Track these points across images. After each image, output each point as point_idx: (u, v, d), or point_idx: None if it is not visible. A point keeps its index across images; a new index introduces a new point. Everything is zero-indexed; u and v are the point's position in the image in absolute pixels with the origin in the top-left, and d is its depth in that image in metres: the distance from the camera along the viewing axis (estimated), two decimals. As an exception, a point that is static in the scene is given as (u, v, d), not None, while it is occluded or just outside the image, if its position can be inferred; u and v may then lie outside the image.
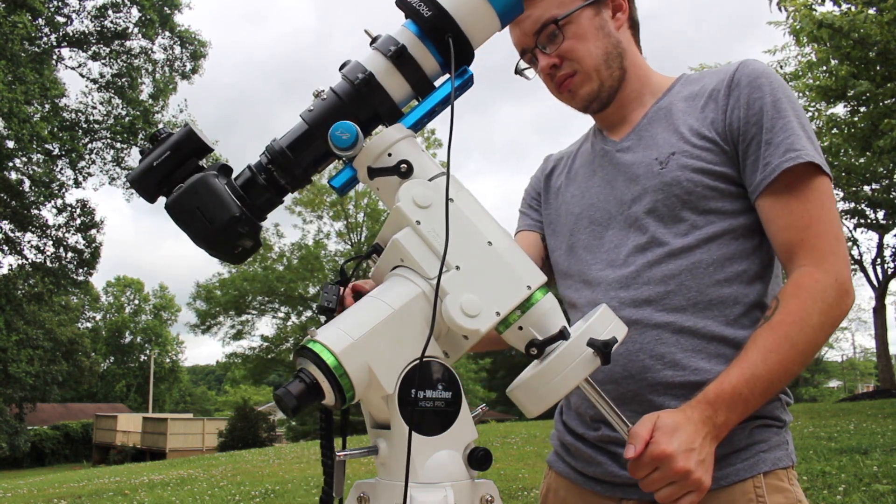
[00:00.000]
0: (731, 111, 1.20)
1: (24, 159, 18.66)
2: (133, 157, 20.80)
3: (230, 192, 0.97)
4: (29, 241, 19.76)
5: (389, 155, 0.98)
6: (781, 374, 1.08)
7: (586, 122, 1.50)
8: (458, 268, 0.93)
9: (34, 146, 17.15)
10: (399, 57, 0.97)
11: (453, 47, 0.97)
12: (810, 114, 12.53)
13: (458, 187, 0.99)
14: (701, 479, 0.99)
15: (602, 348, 0.89)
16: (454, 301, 0.91)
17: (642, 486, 1.01)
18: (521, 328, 0.94)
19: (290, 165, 1.00)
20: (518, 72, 1.35)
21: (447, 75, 1.01)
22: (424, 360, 0.91)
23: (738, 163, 1.20)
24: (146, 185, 0.99)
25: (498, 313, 0.92)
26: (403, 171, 0.97)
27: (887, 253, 19.44)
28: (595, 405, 0.99)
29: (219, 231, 0.96)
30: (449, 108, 1.00)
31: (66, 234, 19.95)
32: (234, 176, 1.03)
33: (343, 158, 1.00)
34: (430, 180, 0.98)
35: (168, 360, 50.70)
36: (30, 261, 19.90)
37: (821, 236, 1.13)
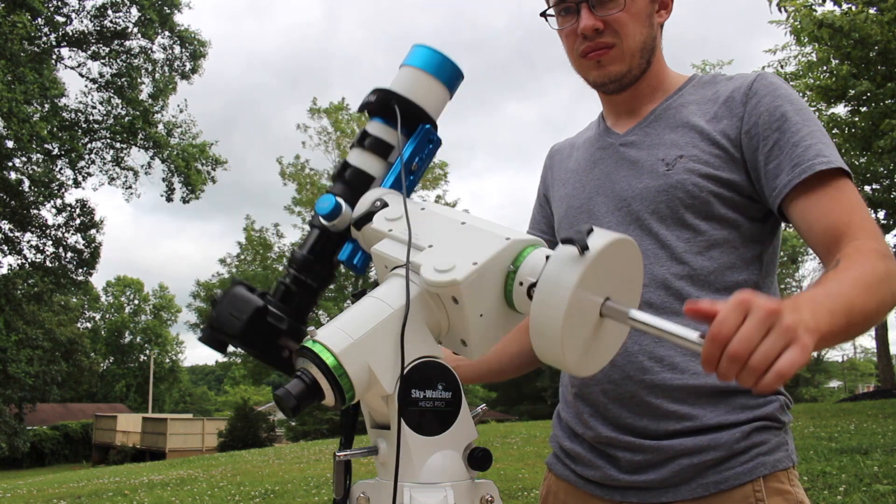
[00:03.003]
0: (749, 117, 1.18)
1: (24, 159, 18.68)
2: (133, 157, 20.85)
3: (258, 295, 1.03)
4: (28, 241, 19.80)
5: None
6: (864, 312, 0.94)
7: (592, 119, 1.49)
8: (430, 246, 0.95)
9: (34, 146, 17.17)
10: (362, 139, 1.11)
11: (398, 110, 1.07)
12: (810, 114, 12.50)
13: (430, 203, 1.07)
14: (799, 332, 0.75)
15: (576, 236, 0.80)
16: (428, 266, 0.91)
17: (726, 356, 0.74)
18: (521, 283, 0.90)
19: (313, 265, 1.08)
20: (544, 14, 1.32)
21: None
22: (424, 360, 0.91)
23: (748, 171, 1.18)
24: (214, 339, 1.04)
25: (475, 262, 0.89)
26: (378, 206, 1.04)
27: (887, 253, 19.43)
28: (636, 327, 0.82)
29: (248, 324, 0.99)
30: (426, 158, 1.11)
31: (66, 234, 19.99)
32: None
33: (341, 231, 1.08)
34: None
35: (168, 361, 50.75)
36: (29, 261, 19.92)
37: (867, 221, 1.09)
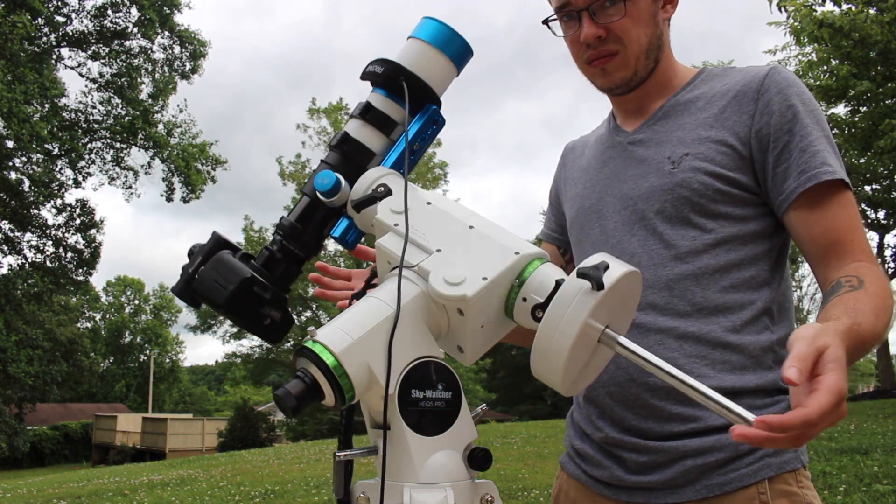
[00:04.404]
0: (760, 116, 1.17)
1: (24, 159, 18.68)
2: (133, 157, 20.84)
3: (244, 263, 1.02)
4: (28, 241, 19.79)
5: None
6: (871, 342, 0.99)
7: (595, 119, 1.49)
8: (438, 251, 0.94)
9: (34, 146, 17.17)
10: (366, 112, 1.08)
11: (407, 88, 1.05)
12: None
13: (437, 195, 1.05)
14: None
15: (593, 272, 0.81)
16: (437, 275, 0.90)
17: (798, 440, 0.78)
18: (525, 299, 0.90)
19: (301, 235, 1.07)
20: (546, 22, 1.29)
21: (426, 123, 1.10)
22: (425, 360, 0.90)
23: (756, 169, 1.18)
24: (188, 293, 1.03)
25: (485, 278, 0.89)
26: (381, 193, 1.02)
27: (887, 253, 19.45)
28: (632, 361, 0.86)
29: (235, 295, 0.99)
30: (428, 139, 1.09)
31: (66, 234, 20.00)
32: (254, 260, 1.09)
33: (336, 207, 1.06)
34: None
35: (168, 361, 50.72)
36: (29, 261, 19.92)
37: (865, 240, 1.12)
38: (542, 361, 0.84)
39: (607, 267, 0.82)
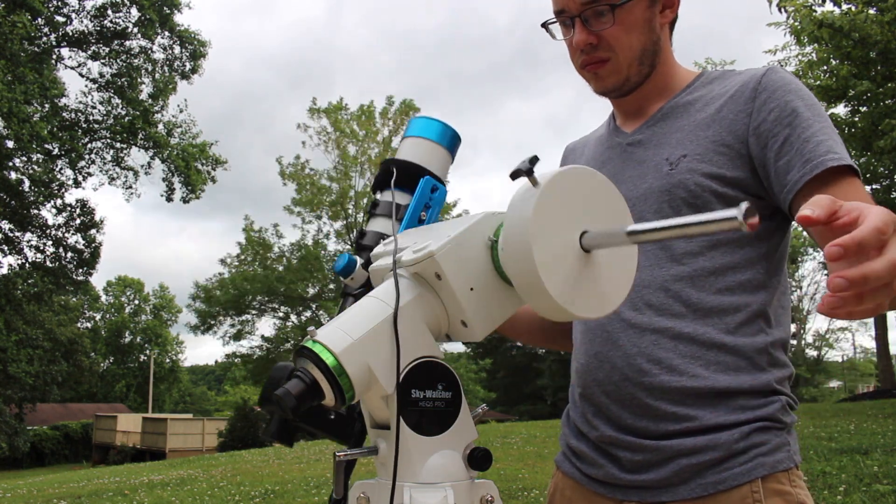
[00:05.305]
0: (758, 113, 1.17)
1: (24, 159, 18.69)
2: (133, 157, 20.85)
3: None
4: (29, 241, 19.81)
5: None
6: None
7: (596, 118, 1.50)
8: (415, 243, 0.98)
9: (34, 146, 17.17)
10: (374, 207, 1.21)
11: (395, 168, 1.17)
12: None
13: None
14: None
15: (520, 165, 0.78)
16: (408, 251, 0.95)
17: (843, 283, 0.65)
18: (503, 249, 0.84)
19: None
20: (545, 26, 1.31)
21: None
22: (424, 360, 0.91)
23: (755, 166, 1.17)
24: (284, 433, 1.07)
25: (449, 235, 0.91)
26: (376, 213, 1.15)
27: (887, 253, 19.46)
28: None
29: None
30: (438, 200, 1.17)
31: (66, 234, 20.01)
32: None
33: (354, 293, 1.15)
34: None
35: (168, 361, 50.75)
36: (30, 261, 19.93)
37: None
38: (509, 265, 0.80)
39: (537, 159, 0.78)
